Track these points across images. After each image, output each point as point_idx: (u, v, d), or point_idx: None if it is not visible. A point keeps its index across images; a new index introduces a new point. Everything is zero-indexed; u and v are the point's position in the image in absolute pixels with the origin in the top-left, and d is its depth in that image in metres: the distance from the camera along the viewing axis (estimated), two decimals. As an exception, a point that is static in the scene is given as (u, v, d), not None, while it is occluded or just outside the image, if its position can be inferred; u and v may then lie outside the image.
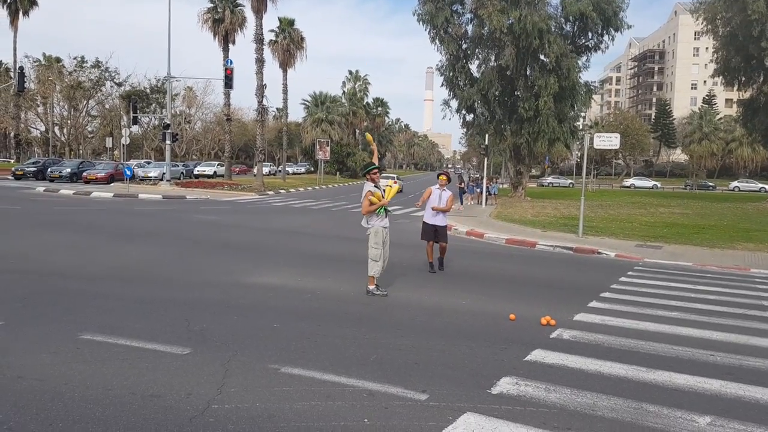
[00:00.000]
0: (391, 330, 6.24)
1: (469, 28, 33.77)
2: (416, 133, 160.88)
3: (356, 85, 76.19)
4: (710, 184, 64.64)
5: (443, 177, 10.02)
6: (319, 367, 4.92)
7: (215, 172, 46.95)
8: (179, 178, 39.07)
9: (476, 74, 34.58)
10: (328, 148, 50.89)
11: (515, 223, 19.97)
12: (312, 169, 69.20)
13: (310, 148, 63.51)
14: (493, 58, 33.94)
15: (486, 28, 31.41)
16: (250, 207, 23.89)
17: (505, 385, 4.71)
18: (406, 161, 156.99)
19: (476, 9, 31.36)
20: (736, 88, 38.46)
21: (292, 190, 37.85)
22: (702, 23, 36.27)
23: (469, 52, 34.44)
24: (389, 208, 8.14)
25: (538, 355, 5.53)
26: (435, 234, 9.81)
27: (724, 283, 10.24)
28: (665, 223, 21.50)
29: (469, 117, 36.39)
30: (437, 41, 33.78)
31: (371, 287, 7.91)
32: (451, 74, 34.42)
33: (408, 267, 10.10)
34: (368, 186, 7.84)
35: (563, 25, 32.61)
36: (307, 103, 68.03)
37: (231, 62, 33.98)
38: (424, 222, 9.99)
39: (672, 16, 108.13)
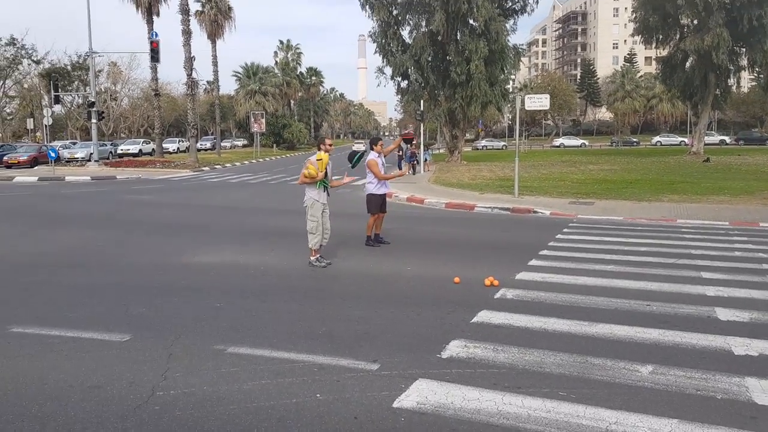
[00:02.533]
0: (338, 301, 6.14)
1: (400, -7, 33.35)
2: (352, 102, 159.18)
3: (288, 55, 74.22)
4: (634, 140, 67.63)
5: (380, 143, 9.68)
6: (266, 344, 4.77)
7: (140, 150, 43.92)
8: (108, 158, 37.05)
9: (408, 40, 34.32)
10: (263, 121, 49.62)
11: (454, 187, 20.18)
12: (247, 142, 67.34)
13: (245, 121, 61.66)
14: (423, 23, 33.74)
15: (416, -7, 31.11)
16: (185, 184, 22.99)
17: (455, 348, 4.71)
18: (343, 130, 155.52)
19: (406, -27, 30.97)
20: (654, 46, 39.98)
21: (228, 165, 36.72)
22: (622, -17, 37.28)
23: (400, 18, 34.06)
24: (330, 179, 7.97)
25: (484, 316, 5.58)
26: (381, 206, 9.50)
27: (654, 234, 10.71)
28: (595, 179, 22.32)
29: (404, 83, 36.29)
30: (368, 8, 33.20)
31: (312, 258, 7.80)
32: (383, 41, 34.01)
33: (352, 237, 9.98)
34: (312, 157, 7.79)
35: (491, -12, 32.66)
36: (239, 75, 65.77)
37: (156, 35, 32.16)
38: (372, 194, 9.40)
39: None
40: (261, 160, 43.72)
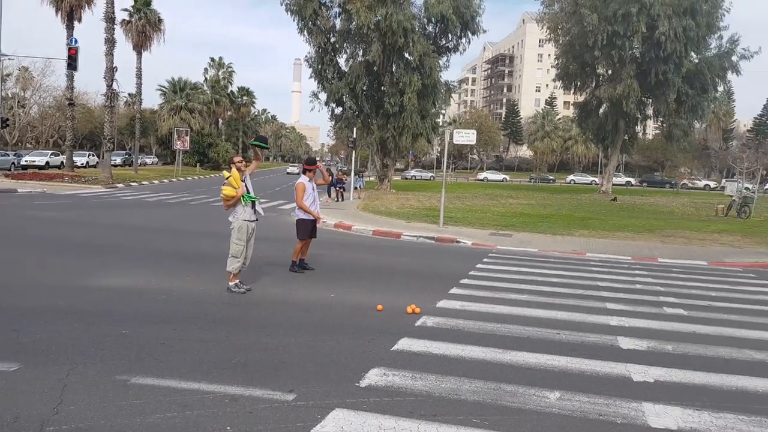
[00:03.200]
0: (256, 329, 6.00)
1: (338, 21, 33.87)
2: (284, 125, 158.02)
3: (220, 73, 72.90)
4: (551, 177, 71.19)
5: (313, 167, 9.30)
6: (175, 374, 4.57)
7: (48, 162, 40.61)
8: (9, 169, 34.55)
9: (345, 68, 34.79)
10: (188, 138, 48.15)
11: (381, 214, 20.39)
12: (155, 160, 64.95)
13: (167, 138, 59.62)
14: (360, 53, 34.36)
15: (354, 23, 31.67)
16: (96, 201, 21.76)
17: (374, 376, 4.73)
18: (273, 153, 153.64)
19: (345, 3, 31.51)
20: (573, 91, 42.71)
21: (145, 182, 35.26)
22: (545, 32, 39.77)
23: (337, 45, 34.51)
24: (253, 196, 7.61)
25: (404, 343, 5.64)
26: (311, 231, 9.26)
27: (565, 266, 11.27)
28: (514, 213, 23.27)
29: (338, 110, 36.56)
30: (305, 33, 33.43)
31: (231, 284, 7.56)
32: (319, 66, 34.26)
33: (275, 262, 9.84)
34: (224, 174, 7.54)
35: (426, 26, 33.87)
36: (165, 90, 63.71)
37: (76, 41, 30.63)
38: (302, 219, 9.13)
39: (520, 24, 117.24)
40: (182, 179, 42.30)
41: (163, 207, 20.93)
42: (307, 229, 9.19)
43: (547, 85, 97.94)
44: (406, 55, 32.84)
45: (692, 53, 34.99)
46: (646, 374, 5.07)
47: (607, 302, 7.98)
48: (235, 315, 6.57)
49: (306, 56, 35.24)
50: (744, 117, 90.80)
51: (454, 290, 8.31)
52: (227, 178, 7.40)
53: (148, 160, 64.87)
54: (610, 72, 38.35)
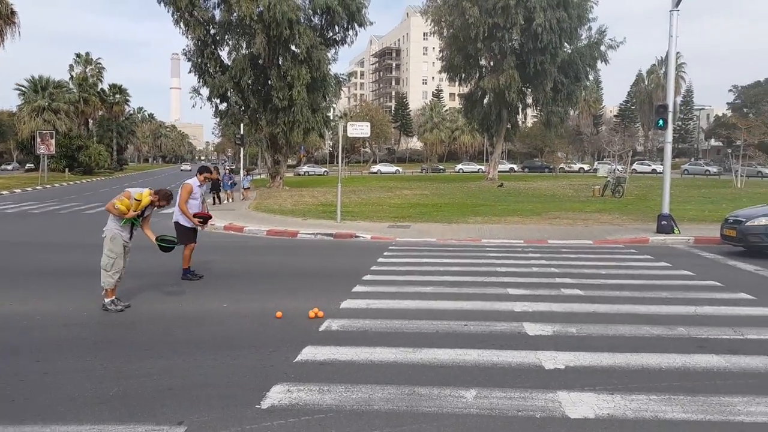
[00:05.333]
0: (138, 352, 5.26)
1: (217, 12, 32.21)
2: (163, 124, 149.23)
3: (87, 70, 67.12)
4: (441, 167, 73.31)
5: (207, 174, 8.71)
6: (37, 417, 3.82)
7: None
8: None
9: (228, 61, 33.17)
10: (53, 141, 43.87)
11: (275, 213, 19.64)
12: (33, 166, 58.97)
13: (29, 142, 53.95)
14: (244, 45, 32.94)
15: (235, 14, 30.25)
16: (-54, 215, 19.04)
17: (277, 395, 4.26)
18: (153, 154, 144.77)
19: (223, -7, 30.01)
20: (458, 83, 43.99)
21: (5, 192, 31.59)
22: (430, 25, 40.55)
23: (218, 37, 32.80)
24: (138, 222, 6.97)
25: (308, 353, 5.21)
26: (194, 234, 8.61)
27: (464, 254, 11.34)
28: (410, 203, 23.45)
29: (222, 106, 34.88)
30: (182, 24, 31.41)
31: (107, 301, 6.70)
32: (199, 60, 32.41)
33: (157, 272, 8.95)
34: (134, 191, 6.87)
35: (312, 17, 33.14)
36: (24, 89, 57.55)
37: None
38: (180, 224, 8.44)
39: (405, 17, 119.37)
40: (49, 186, 38.40)
41: (27, 218, 18.71)
42: (188, 232, 8.47)
43: (433, 77, 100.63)
44: (293, 47, 31.98)
45: (566, 44, 37.29)
46: (556, 360, 5.02)
47: (509, 288, 8.02)
48: (112, 337, 5.76)
49: (184, 50, 33.23)
50: (611, 103, 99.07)
51: (357, 288, 7.97)
52: (136, 199, 6.77)
53: (9, 167, 58.42)
54: (492, 63, 39.91)
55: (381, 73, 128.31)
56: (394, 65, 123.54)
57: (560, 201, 25.22)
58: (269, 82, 32.98)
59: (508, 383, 4.51)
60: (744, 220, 11.43)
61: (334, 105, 42.07)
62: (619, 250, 12.09)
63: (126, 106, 76.91)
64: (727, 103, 76.73)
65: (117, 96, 72.75)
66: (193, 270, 8.61)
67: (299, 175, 63.93)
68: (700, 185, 37.05)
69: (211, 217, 8.88)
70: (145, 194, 6.81)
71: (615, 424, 3.82)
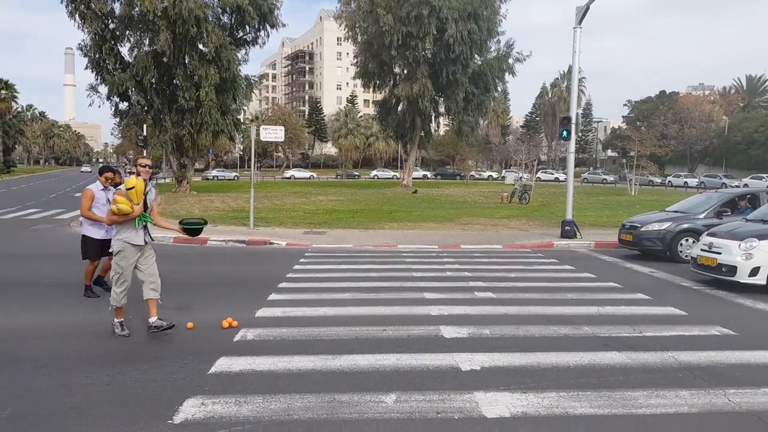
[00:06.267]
0: (32, 370, 4.82)
1: (117, 6, 30.42)
2: (56, 123, 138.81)
3: (-33, 62, 61.27)
4: (356, 173, 73.63)
5: (109, 174, 7.79)
6: None
7: None
8: None
9: (129, 58, 31.41)
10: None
11: (184, 218, 18.80)
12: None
13: None
14: (147, 42, 31.37)
15: (137, 9, 28.74)
16: None
17: (190, 409, 4.06)
18: (45, 155, 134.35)
19: (124, -14, 28.43)
20: (372, 90, 44.37)
21: None
22: (344, 30, 40.62)
23: (118, 33, 30.98)
24: (153, 212, 6.11)
25: (223, 364, 5.00)
26: (103, 250, 7.65)
27: (380, 260, 11.41)
28: (325, 209, 23.32)
29: (123, 105, 32.98)
30: (77, 17, 29.40)
31: (115, 321, 6.02)
32: (97, 56, 30.46)
33: (56, 283, 8.27)
34: (122, 186, 5.93)
35: (221, 16, 32.16)
36: None
37: None
38: (87, 237, 7.61)
39: (318, 21, 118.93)
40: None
41: None
42: (96, 247, 7.61)
43: (348, 82, 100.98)
44: (201, 46, 30.87)
45: (476, 56, 38.64)
46: (473, 362, 5.15)
47: (425, 292, 8.15)
48: (6, 353, 5.24)
49: (80, 44, 31.06)
50: (518, 114, 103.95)
51: (273, 296, 7.77)
52: (128, 189, 5.78)
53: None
54: (406, 71, 40.60)
55: (294, 76, 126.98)
56: (307, 69, 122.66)
57: (471, 207, 26.07)
58: (175, 81, 31.61)
59: (426, 386, 4.56)
60: (639, 225, 12.33)
61: (245, 107, 41.04)
62: (527, 254, 12.66)
63: (14, 103, 71.09)
64: (623, 117, 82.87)
65: (3, 92, 67.01)
66: (106, 281, 7.85)
67: (208, 179, 61.71)
68: (598, 193, 39.70)
69: None
70: (132, 180, 5.83)
71: (529, 421, 3.97)
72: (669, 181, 54.80)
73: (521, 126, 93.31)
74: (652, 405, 4.24)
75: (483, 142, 75.25)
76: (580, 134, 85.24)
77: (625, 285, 8.99)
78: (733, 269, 8.63)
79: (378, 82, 42.23)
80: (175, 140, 32.66)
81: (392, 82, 42.09)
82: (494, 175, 70.84)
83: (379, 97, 45.61)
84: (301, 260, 11.21)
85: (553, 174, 64.06)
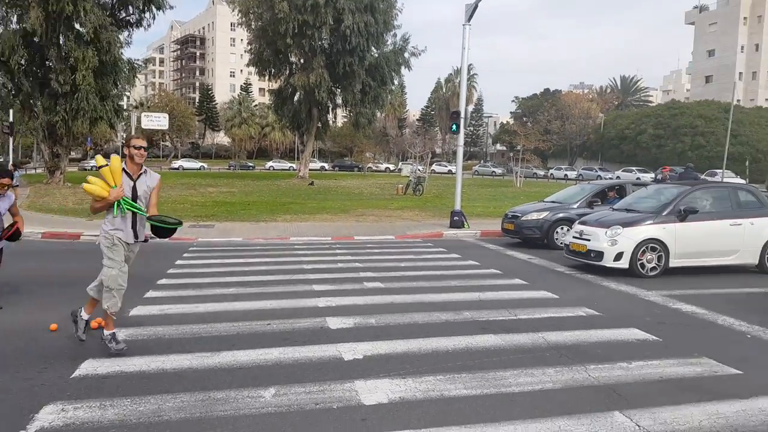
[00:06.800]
0: None
1: (-23, -24, 27.26)
2: None
3: None
4: (250, 164, 71.67)
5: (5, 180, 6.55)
6: None
7: None
8: None
9: (-7, 36, 28.27)
10: None
11: (54, 213, 17.34)
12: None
13: None
14: (15, 19, 28.42)
15: (2, -19, 25.95)
16: None
17: (48, 416, 3.74)
18: None
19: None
20: (267, 78, 43.27)
21: None
22: (237, 15, 39.21)
23: (-21, 7, 27.82)
24: (139, 206, 5.12)
25: (89, 367, 4.65)
26: None
27: (271, 253, 11.19)
28: (215, 202, 22.49)
29: (-16, 88, 29.67)
30: None
31: (106, 333, 5.07)
32: (-47, 32, 27.16)
33: None
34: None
35: (100, -6, 29.84)
36: None
37: None
38: None
39: (210, 5, 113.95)
40: None
41: None
42: None
43: (241, 70, 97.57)
44: (78, 26, 28.44)
45: (373, 48, 38.89)
46: (356, 351, 5.18)
47: (314, 284, 8.09)
48: None
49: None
50: (414, 108, 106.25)
51: (150, 293, 7.36)
52: (99, 167, 4.97)
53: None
54: (303, 61, 39.99)
55: (183, 61, 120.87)
56: (198, 54, 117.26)
57: (367, 199, 26.32)
58: (48, 63, 28.94)
59: (308, 378, 4.52)
60: (520, 215, 13.06)
61: (128, 93, 38.38)
62: (417, 244, 12.98)
63: None
64: (510, 112, 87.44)
65: None
66: None
67: (85, 169, 57.32)
68: (487, 185, 41.63)
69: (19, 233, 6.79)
70: (100, 158, 5.04)
71: (405, 405, 4.05)
72: (551, 174, 58.65)
73: (417, 119, 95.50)
74: (521, 383, 4.49)
75: (380, 135, 76.22)
76: (471, 128, 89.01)
77: (505, 271, 9.48)
78: (600, 254, 9.38)
79: (273, 70, 41.29)
80: (46, 127, 29.87)
81: (288, 71, 41.33)
82: (391, 167, 72.03)
83: (275, 86, 44.60)
84: (185, 255, 10.72)
85: (446, 166, 66.26)
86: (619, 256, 9.23)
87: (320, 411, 3.94)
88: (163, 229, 5.23)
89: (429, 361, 4.95)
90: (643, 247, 9.20)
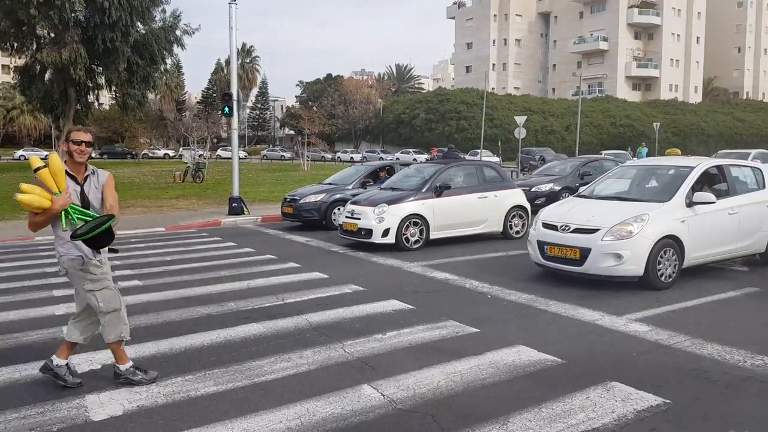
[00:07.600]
0: None
1: None
2: None
3: None
4: (-2, 154, 60.88)
5: None
6: None
7: None
8: None
9: None
10: None
11: None
12: None
13: None
14: None
15: None
16: None
17: None
18: None
19: None
20: (10, 54, 36.87)
21: None
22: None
23: None
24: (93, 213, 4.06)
25: None
26: None
27: (11, 257, 9.52)
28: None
29: None
30: None
31: (123, 368, 4.11)
32: None
33: None
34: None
35: None
36: None
37: None
38: None
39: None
40: None
41: None
42: None
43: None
44: None
45: (139, 23, 35.32)
46: (93, 361, 4.57)
47: (54, 290, 7.01)
48: None
49: None
50: (194, 90, 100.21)
51: None
52: (36, 171, 4.01)
53: None
54: (53, 35, 34.78)
55: None
56: None
57: (139, 188, 24.14)
58: None
59: (26, 402, 3.83)
60: (299, 198, 13.04)
61: None
62: (190, 235, 12.19)
63: None
64: (296, 96, 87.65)
65: None
66: None
67: None
68: (275, 169, 41.19)
69: None
70: (35, 159, 4.17)
71: (144, 414, 3.66)
72: (338, 157, 60.47)
73: (198, 102, 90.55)
74: (276, 370, 4.38)
75: (156, 118, 70.48)
76: (258, 112, 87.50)
77: (280, 256, 9.36)
78: (369, 232, 9.79)
79: (16, 44, 35.24)
80: None
81: (35, 45, 35.63)
82: (171, 153, 67.26)
83: (19, 62, 38.18)
84: None
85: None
86: (386, 233, 9.73)
87: (35, 439, 3.34)
88: (98, 235, 3.91)
89: (179, 361, 4.58)
90: (407, 223, 9.84)
